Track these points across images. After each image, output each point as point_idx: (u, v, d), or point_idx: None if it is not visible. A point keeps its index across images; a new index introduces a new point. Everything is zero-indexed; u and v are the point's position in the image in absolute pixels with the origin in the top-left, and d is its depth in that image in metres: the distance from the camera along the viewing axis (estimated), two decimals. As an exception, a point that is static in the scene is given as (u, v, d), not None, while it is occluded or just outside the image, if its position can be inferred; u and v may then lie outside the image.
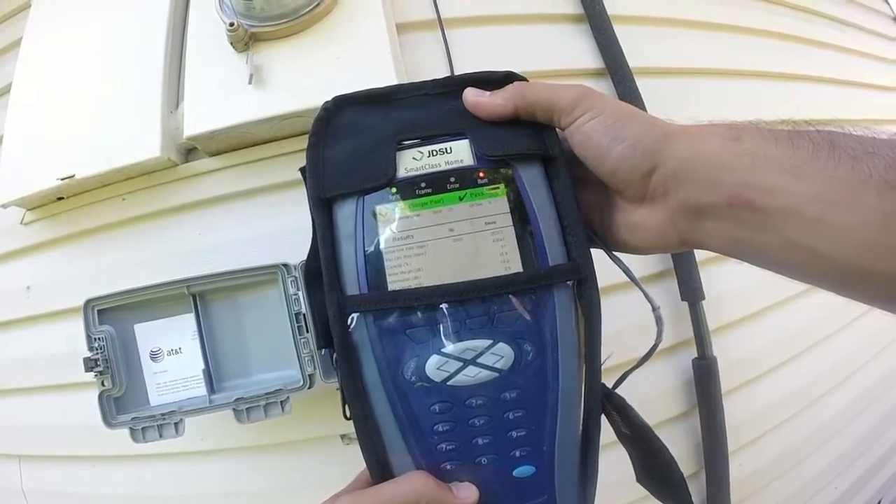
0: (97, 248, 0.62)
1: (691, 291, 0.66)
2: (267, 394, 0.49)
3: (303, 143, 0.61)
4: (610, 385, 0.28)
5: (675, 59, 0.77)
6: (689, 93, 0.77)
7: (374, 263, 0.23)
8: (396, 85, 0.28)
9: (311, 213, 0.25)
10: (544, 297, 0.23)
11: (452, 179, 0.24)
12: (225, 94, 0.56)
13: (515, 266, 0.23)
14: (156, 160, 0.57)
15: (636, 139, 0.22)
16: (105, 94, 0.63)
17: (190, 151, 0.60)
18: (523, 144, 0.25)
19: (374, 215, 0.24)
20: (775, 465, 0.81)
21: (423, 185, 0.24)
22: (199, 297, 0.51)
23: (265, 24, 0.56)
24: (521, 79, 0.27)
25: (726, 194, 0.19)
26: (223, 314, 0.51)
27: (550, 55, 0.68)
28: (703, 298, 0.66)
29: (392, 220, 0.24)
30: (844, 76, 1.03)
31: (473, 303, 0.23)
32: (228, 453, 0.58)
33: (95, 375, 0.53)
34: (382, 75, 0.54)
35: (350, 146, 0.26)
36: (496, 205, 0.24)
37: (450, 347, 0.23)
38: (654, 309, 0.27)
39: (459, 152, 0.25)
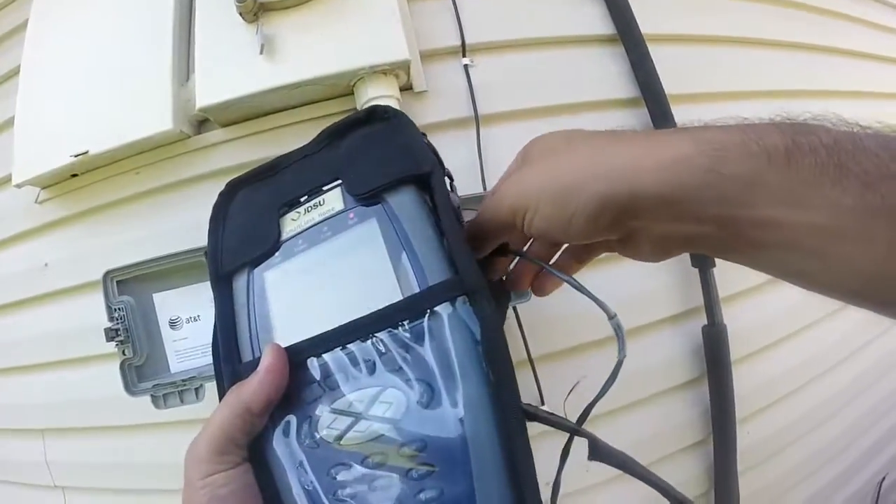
0: (113, 222, 0.63)
1: (701, 257, 0.66)
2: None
3: (313, 111, 0.61)
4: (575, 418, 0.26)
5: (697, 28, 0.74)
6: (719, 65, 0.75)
7: (265, 327, 0.24)
8: (280, 156, 0.30)
9: (213, 293, 0.26)
10: (428, 323, 0.21)
11: (325, 229, 0.25)
12: (236, 65, 0.56)
13: (395, 295, 0.22)
14: (168, 133, 0.57)
15: (593, 204, 0.19)
16: (115, 70, 0.63)
17: (202, 123, 0.60)
18: (389, 173, 0.25)
19: (263, 282, 0.25)
20: (783, 435, 0.81)
21: (300, 242, 0.25)
22: (217, 264, 0.52)
23: (274, -7, 0.56)
24: (383, 111, 0.29)
25: (715, 227, 0.17)
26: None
27: (564, 22, 0.66)
28: (714, 265, 0.66)
29: (278, 283, 0.25)
30: (880, 52, 1.00)
31: (357, 346, 0.21)
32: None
33: (116, 345, 0.54)
34: (393, 43, 0.54)
35: (242, 224, 0.27)
36: (369, 241, 0.24)
37: (339, 401, 0.21)
38: (611, 318, 0.24)
39: (331, 201, 0.26)
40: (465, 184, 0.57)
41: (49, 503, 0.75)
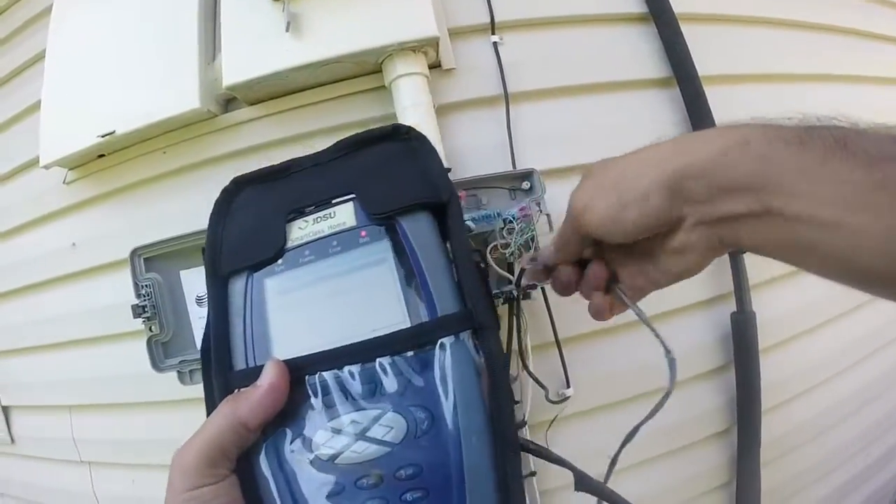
0: (140, 201, 0.64)
1: (731, 243, 0.65)
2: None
3: (341, 88, 0.60)
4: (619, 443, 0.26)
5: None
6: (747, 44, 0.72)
7: (260, 336, 0.23)
8: (292, 159, 0.29)
9: (208, 292, 0.25)
10: (435, 353, 0.21)
11: (335, 243, 0.24)
12: (263, 43, 0.56)
13: (403, 323, 0.22)
14: (195, 112, 0.57)
15: (643, 187, 0.22)
16: (140, 50, 0.63)
17: (229, 102, 0.60)
18: (408, 197, 0.24)
19: (263, 288, 0.24)
20: (808, 428, 0.80)
21: (307, 253, 0.24)
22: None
23: (300, -30, 0.55)
24: (406, 131, 0.28)
25: (744, 203, 0.19)
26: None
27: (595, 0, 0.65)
28: (745, 251, 0.65)
29: (279, 291, 0.24)
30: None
31: (359, 368, 0.21)
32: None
33: (143, 321, 0.55)
34: (421, 20, 0.53)
35: (245, 224, 0.27)
36: (380, 263, 0.23)
37: (336, 420, 0.20)
38: (667, 353, 0.26)
39: (343, 215, 0.25)
40: (494, 162, 0.56)
41: (75, 478, 0.77)
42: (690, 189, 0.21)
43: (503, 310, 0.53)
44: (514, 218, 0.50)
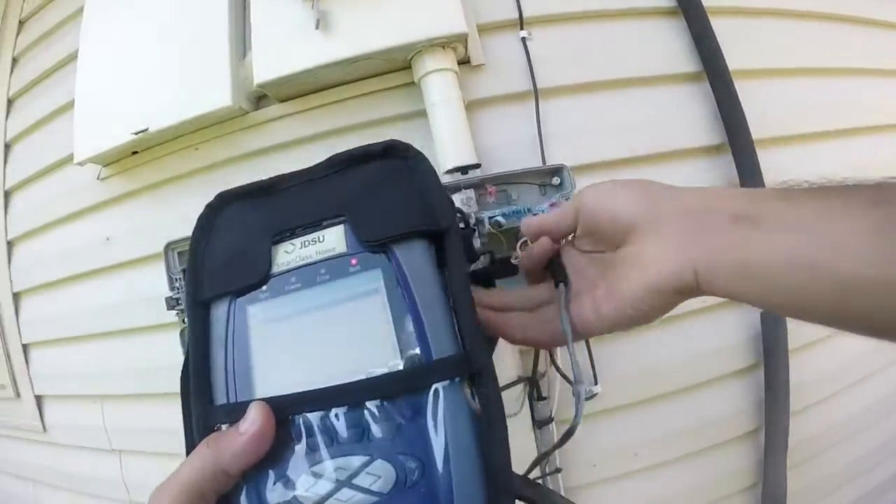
0: (172, 197, 0.65)
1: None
2: None
3: (371, 85, 0.61)
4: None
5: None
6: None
7: (243, 369, 0.21)
8: (280, 175, 0.27)
9: (188, 316, 0.24)
10: (428, 398, 0.20)
11: (323, 271, 0.22)
12: (293, 41, 0.56)
13: (395, 362, 0.20)
14: (227, 109, 0.58)
15: (641, 188, 0.24)
16: (171, 48, 0.64)
17: (260, 99, 0.61)
18: (403, 223, 0.22)
19: (246, 317, 0.22)
20: (837, 431, 0.78)
21: (293, 280, 0.22)
22: (276, 236, 0.53)
23: (331, -32, 0.56)
24: (404, 148, 0.26)
25: (728, 214, 0.20)
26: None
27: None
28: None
29: (263, 320, 0.22)
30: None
31: (346, 411, 0.20)
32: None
33: (177, 313, 0.56)
34: (450, 16, 0.53)
35: (229, 245, 0.25)
36: (371, 294, 0.22)
37: (320, 465, 0.19)
38: (574, 383, 0.24)
39: (332, 240, 0.23)
40: (523, 158, 0.56)
41: (106, 465, 0.79)
42: (679, 198, 0.22)
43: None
44: (543, 213, 0.50)
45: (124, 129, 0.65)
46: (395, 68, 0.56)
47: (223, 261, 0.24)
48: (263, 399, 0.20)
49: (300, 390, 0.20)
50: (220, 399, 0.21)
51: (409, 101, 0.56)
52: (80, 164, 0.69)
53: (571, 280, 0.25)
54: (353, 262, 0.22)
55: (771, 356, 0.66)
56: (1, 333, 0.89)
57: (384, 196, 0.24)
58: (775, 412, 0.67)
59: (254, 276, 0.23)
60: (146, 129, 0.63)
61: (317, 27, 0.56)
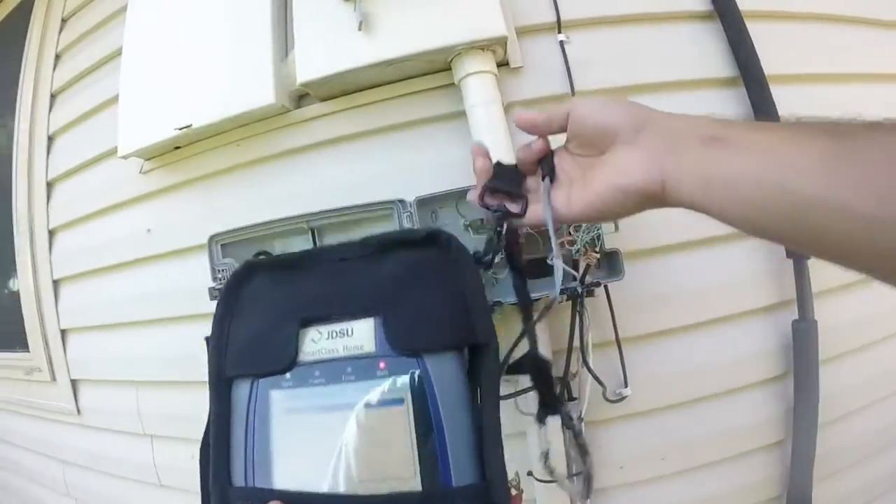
0: (212, 191, 0.67)
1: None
2: None
3: (411, 86, 0.62)
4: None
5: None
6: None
7: (262, 454, 0.22)
8: (310, 249, 0.28)
9: (210, 391, 0.24)
10: None
11: (349, 370, 0.22)
12: (335, 41, 0.58)
13: (412, 482, 0.20)
14: (270, 107, 0.60)
15: (628, 105, 0.26)
16: (215, 46, 0.66)
17: (301, 97, 0.62)
18: (439, 337, 0.22)
19: (268, 402, 0.22)
20: (865, 444, 0.76)
21: (317, 373, 0.22)
22: (317, 231, 0.54)
23: (374, -29, 0.57)
24: (446, 239, 0.25)
25: (701, 135, 0.22)
26: (340, 247, 0.54)
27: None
28: (809, 257, 0.63)
29: (285, 409, 0.22)
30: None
31: None
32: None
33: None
34: (490, 19, 0.54)
35: (255, 322, 0.24)
36: (396, 404, 0.21)
37: None
38: (551, 257, 0.25)
39: (361, 335, 0.22)
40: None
41: (138, 449, 0.81)
42: (659, 118, 0.24)
43: (566, 305, 0.54)
44: (581, 215, 0.51)
45: (168, 124, 0.67)
46: (435, 70, 0.57)
47: (249, 339, 0.24)
48: (294, 493, 0.20)
49: (317, 491, 0.20)
50: (239, 480, 0.22)
51: (449, 103, 0.57)
52: (124, 157, 0.71)
53: (559, 176, 0.28)
54: (382, 365, 0.22)
55: (801, 365, 0.65)
56: (40, 319, 0.92)
57: (421, 296, 0.23)
58: (804, 423, 0.67)
59: (279, 362, 0.23)
60: (189, 125, 0.65)
61: (360, 28, 0.57)
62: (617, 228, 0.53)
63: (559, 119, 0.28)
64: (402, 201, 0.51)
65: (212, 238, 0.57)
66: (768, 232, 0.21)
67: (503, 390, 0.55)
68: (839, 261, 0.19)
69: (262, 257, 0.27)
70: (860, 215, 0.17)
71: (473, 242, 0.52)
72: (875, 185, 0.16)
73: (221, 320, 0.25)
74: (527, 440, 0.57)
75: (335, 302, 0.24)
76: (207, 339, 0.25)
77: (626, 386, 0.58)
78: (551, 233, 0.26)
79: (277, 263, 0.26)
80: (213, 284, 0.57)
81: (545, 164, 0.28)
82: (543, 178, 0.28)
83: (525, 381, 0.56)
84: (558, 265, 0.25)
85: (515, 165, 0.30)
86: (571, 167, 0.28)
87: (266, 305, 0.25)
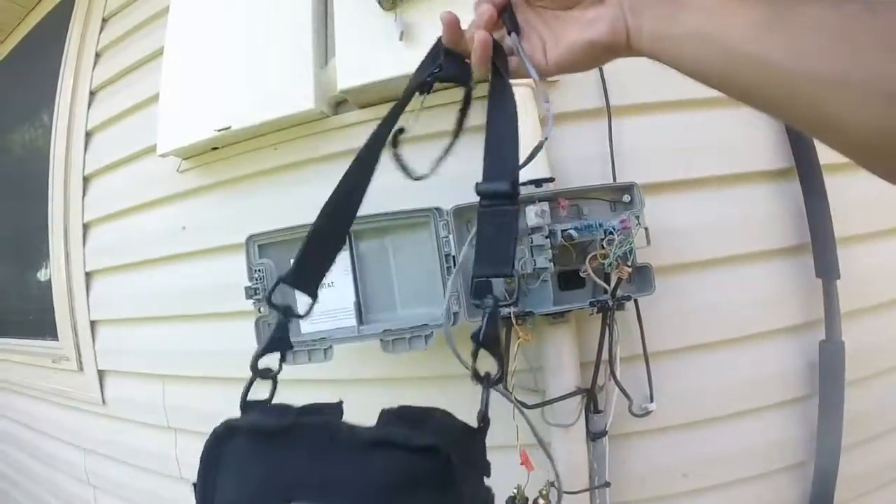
0: (248, 193, 0.69)
1: (827, 267, 0.62)
2: (412, 328, 0.52)
3: (448, 96, 0.63)
4: None
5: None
6: None
7: None
8: (297, 416, 0.25)
9: None
10: None
11: None
12: (376, 50, 0.59)
13: None
14: (310, 112, 0.62)
15: None
16: (255, 51, 0.68)
17: (339, 104, 0.64)
18: None
19: None
20: (889, 469, 0.75)
21: None
22: (354, 235, 0.55)
23: (416, -17, 0.58)
24: (446, 457, 0.22)
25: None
26: (375, 253, 0.55)
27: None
28: (839, 277, 0.63)
29: None
30: None
31: None
32: (362, 383, 0.63)
33: (254, 303, 0.60)
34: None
35: (235, 498, 0.23)
36: None
37: None
38: (546, 102, 0.28)
39: None
40: (593, 173, 0.57)
41: (161, 441, 0.83)
42: None
43: (597, 318, 0.54)
44: (615, 230, 0.51)
45: (207, 125, 0.69)
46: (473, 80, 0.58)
47: None
48: None
49: None
50: None
51: (486, 114, 0.57)
52: (163, 156, 0.73)
53: (525, 30, 0.30)
54: None
55: (827, 386, 0.65)
56: (70, 310, 0.95)
57: None
58: (827, 444, 0.66)
59: None
60: (229, 127, 0.67)
61: (400, 38, 0.58)
62: (649, 243, 0.53)
63: None
64: (438, 210, 0.52)
65: (250, 238, 0.59)
66: (714, 84, 0.24)
67: (530, 401, 0.56)
68: (771, 113, 0.23)
69: (240, 420, 0.25)
70: (784, 71, 0.20)
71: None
72: (798, 46, 0.20)
73: (203, 491, 0.24)
74: (551, 450, 0.57)
75: (320, 494, 0.22)
76: (195, 484, 0.24)
77: (651, 401, 0.58)
78: (536, 82, 0.29)
79: (258, 431, 0.24)
80: (249, 283, 0.59)
81: (507, 17, 0.29)
82: (510, 34, 0.29)
83: (552, 391, 0.57)
84: (548, 108, 0.30)
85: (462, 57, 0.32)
86: (536, 20, 0.29)
87: (245, 479, 0.24)
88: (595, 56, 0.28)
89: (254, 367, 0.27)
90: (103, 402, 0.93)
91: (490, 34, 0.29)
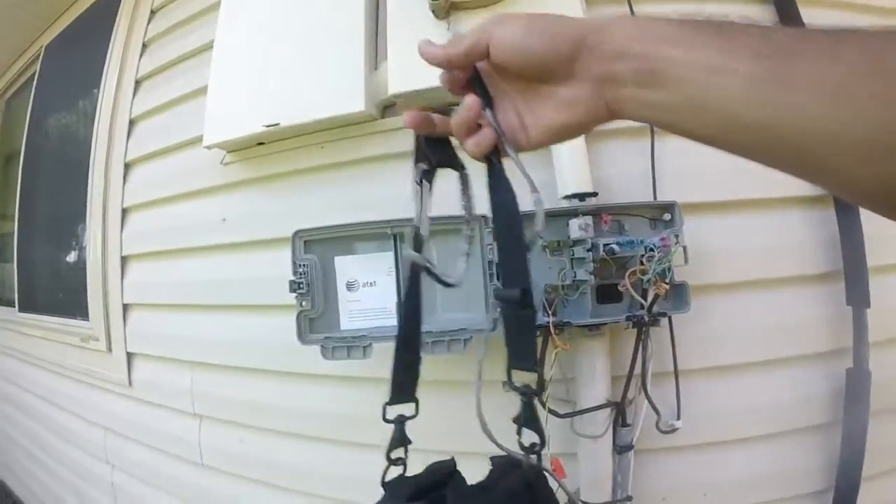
0: (292, 189, 0.71)
1: (858, 296, 0.63)
2: (452, 331, 0.54)
3: None
4: None
5: None
6: None
7: None
8: (454, 484, 0.28)
9: None
10: None
11: None
12: (428, 59, 0.61)
13: None
14: (359, 114, 0.64)
15: (553, 32, 0.25)
16: (307, 51, 0.70)
17: (386, 108, 0.66)
18: None
19: None
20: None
21: None
22: (398, 238, 0.57)
23: (468, -6, 0.60)
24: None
25: (632, 70, 0.23)
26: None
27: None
28: (869, 306, 0.63)
29: None
30: None
31: None
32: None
33: (297, 297, 0.61)
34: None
35: None
36: None
37: None
38: (533, 190, 0.27)
39: None
40: (634, 191, 0.58)
41: (185, 427, 0.85)
42: (590, 42, 0.24)
43: (631, 333, 0.55)
44: (655, 247, 0.53)
45: (255, 120, 0.71)
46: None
47: None
48: None
49: None
50: None
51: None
52: (208, 147, 0.75)
53: (497, 101, 0.28)
54: None
55: (851, 415, 0.65)
56: (104, 292, 0.98)
57: None
58: (847, 473, 0.66)
59: None
60: (277, 124, 0.69)
61: (451, 49, 0.60)
62: (687, 261, 0.54)
63: (479, 51, 0.26)
64: (485, 217, 0.54)
65: (296, 233, 0.61)
66: (709, 144, 0.23)
67: (562, 409, 0.57)
68: (780, 169, 0.21)
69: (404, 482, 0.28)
70: (784, 133, 0.19)
71: (549, 263, 0.54)
72: (797, 105, 0.19)
73: None
74: (577, 460, 0.58)
75: None
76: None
77: (678, 418, 0.59)
78: (514, 158, 0.27)
79: (421, 488, 0.28)
80: (293, 278, 0.60)
81: (478, 89, 0.27)
82: (484, 108, 0.27)
83: (583, 402, 0.58)
84: (539, 200, 0.27)
85: (446, 139, 0.30)
86: (507, 87, 0.27)
87: None
88: (580, 130, 0.27)
89: (388, 457, 0.30)
90: (129, 383, 0.95)
91: (482, 132, 0.27)
